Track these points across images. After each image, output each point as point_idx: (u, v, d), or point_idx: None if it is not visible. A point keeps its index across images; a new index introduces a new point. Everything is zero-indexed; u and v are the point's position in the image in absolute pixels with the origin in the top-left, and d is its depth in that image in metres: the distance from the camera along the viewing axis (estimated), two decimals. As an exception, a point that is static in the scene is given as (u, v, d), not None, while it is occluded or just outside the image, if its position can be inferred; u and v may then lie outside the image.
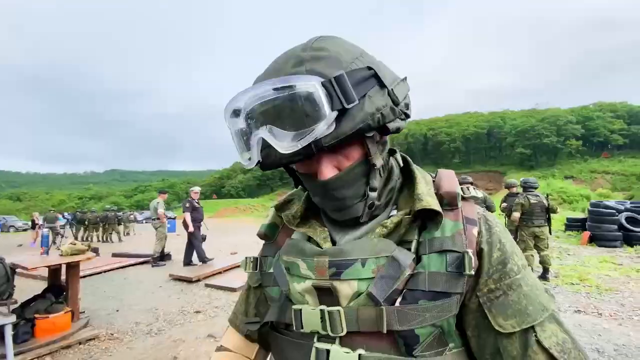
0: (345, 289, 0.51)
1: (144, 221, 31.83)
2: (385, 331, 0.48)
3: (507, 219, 6.58)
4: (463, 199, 0.59)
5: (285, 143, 0.46)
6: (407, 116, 0.55)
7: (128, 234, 18.33)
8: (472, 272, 0.49)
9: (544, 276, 5.33)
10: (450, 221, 0.54)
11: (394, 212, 0.59)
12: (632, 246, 8.33)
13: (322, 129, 0.45)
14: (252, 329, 0.66)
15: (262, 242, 0.72)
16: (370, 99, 0.48)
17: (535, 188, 5.66)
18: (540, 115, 68.31)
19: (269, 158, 0.50)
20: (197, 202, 7.36)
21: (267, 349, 0.72)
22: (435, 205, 0.53)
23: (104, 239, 14.81)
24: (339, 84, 0.45)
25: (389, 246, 0.52)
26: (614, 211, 9.18)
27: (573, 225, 11.34)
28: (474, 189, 0.61)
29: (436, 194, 0.57)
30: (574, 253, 7.86)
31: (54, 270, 3.89)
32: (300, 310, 0.54)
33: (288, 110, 0.45)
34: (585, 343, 3.11)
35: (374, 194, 0.55)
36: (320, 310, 0.52)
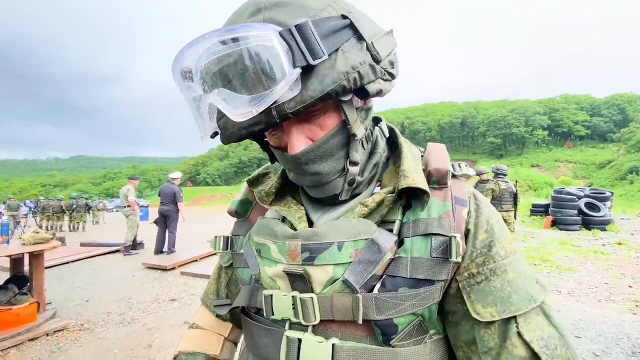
0: (320, 274, 0.47)
1: (115, 209, 30.63)
2: (361, 321, 0.44)
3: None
4: (453, 176, 0.53)
5: (238, 110, 0.39)
6: (393, 76, 0.47)
7: (97, 222, 17.59)
8: (459, 259, 0.44)
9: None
10: (438, 201, 0.49)
11: (377, 189, 0.54)
12: (589, 229, 8.94)
13: (282, 90, 0.37)
14: (220, 312, 0.63)
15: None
16: (344, 54, 0.40)
17: (505, 175, 5.92)
18: (511, 106, 71.13)
19: (227, 129, 0.43)
20: (177, 190, 7.23)
21: (240, 327, 0.69)
22: (421, 183, 0.47)
23: (71, 228, 14.15)
24: (302, 35, 0.37)
25: (368, 228, 0.47)
26: (574, 197, 9.79)
27: (537, 210, 11.99)
28: (466, 166, 0.56)
29: (424, 170, 0.51)
30: (537, 236, 8.34)
31: (16, 260, 3.68)
32: (271, 295, 0.50)
33: (240, 69, 0.38)
34: (546, 319, 3.33)
35: (355, 169, 0.49)
36: (292, 296, 0.48)
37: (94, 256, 7.21)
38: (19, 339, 3.05)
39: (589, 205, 9.65)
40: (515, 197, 5.73)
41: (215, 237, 0.65)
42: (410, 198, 0.49)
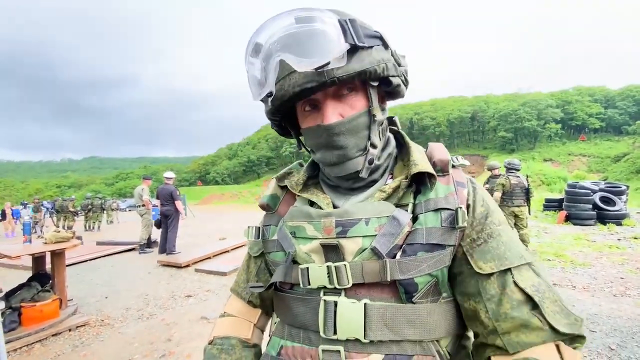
0: (351, 245, 0.57)
1: (128, 209, 31.19)
2: (389, 280, 0.54)
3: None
4: (453, 166, 0.64)
5: (302, 64, 0.50)
6: (407, 82, 0.62)
7: (111, 222, 17.95)
8: (465, 224, 0.55)
9: (522, 253, 5.57)
10: (443, 185, 0.60)
11: (390, 180, 0.65)
12: (605, 224, 8.76)
13: (336, 56, 0.50)
14: (256, 292, 0.69)
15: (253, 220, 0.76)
16: (376, 50, 0.54)
17: (518, 170, 5.81)
18: (522, 99, 69.53)
19: (282, 90, 0.53)
20: (172, 189, 7.25)
21: (268, 313, 0.77)
22: (430, 169, 0.59)
23: (87, 228, 14.48)
24: (353, 26, 0.52)
25: (389, 208, 0.58)
26: (589, 191, 9.59)
27: (551, 205, 11.80)
28: (462, 157, 0.68)
29: (429, 162, 0.62)
30: (551, 231, 8.22)
31: (38, 259, 3.81)
32: (307, 268, 0.59)
33: (307, 39, 0.50)
34: (560, 313, 3.30)
35: (374, 151, 0.60)
36: (327, 266, 0.57)
37: (111, 254, 7.40)
38: (43, 334, 3.17)
39: (604, 200, 9.44)
40: (527, 192, 5.63)
41: (248, 227, 0.74)
42: (419, 185, 0.61)
